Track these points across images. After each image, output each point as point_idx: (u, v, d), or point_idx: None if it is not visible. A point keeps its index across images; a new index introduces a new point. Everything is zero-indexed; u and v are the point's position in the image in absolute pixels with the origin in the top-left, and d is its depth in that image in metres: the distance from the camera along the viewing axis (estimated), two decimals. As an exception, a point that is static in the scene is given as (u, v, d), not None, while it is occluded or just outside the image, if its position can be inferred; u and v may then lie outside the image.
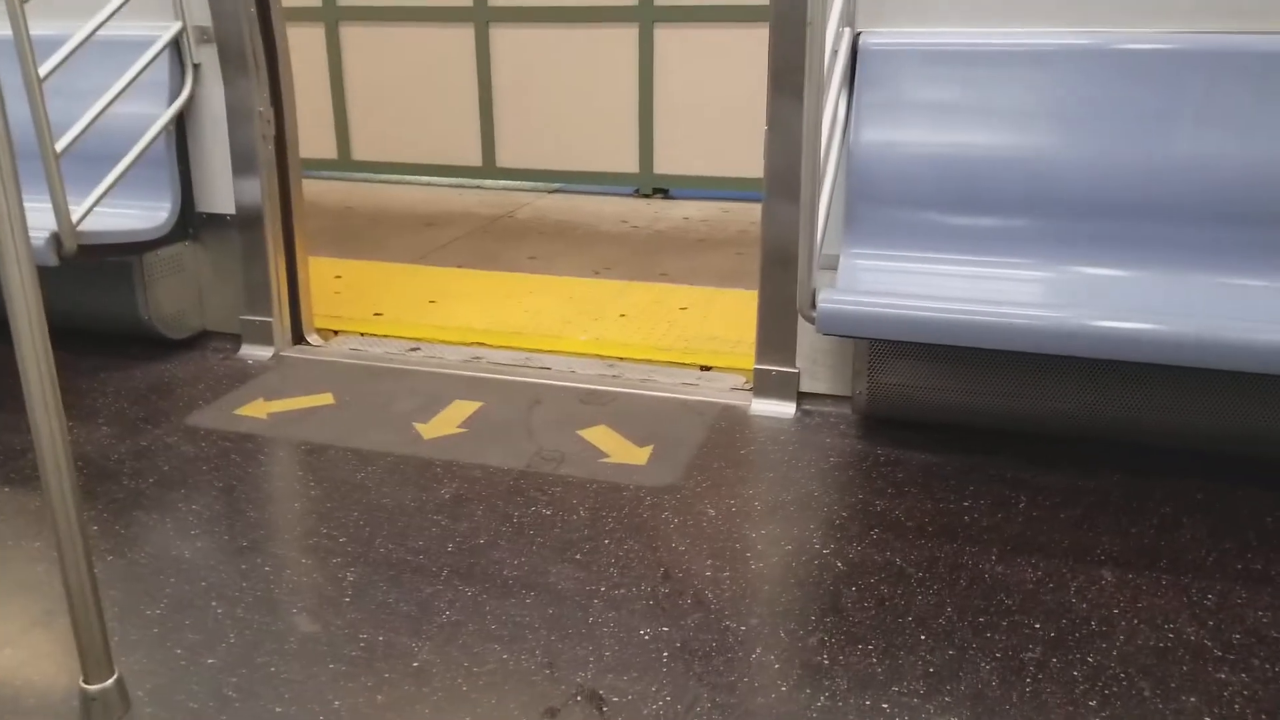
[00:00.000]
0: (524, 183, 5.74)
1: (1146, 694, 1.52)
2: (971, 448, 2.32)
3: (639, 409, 2.57)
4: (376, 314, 3.36)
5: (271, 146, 2.87)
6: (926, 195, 2.22)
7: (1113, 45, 2.17)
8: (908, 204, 2.23)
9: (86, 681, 1.45)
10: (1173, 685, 1.53)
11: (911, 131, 2.25)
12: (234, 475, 2.22)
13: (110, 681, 1.46)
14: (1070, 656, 1.60)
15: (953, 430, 2.40)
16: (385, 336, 3.15)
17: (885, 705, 1.50)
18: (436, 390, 2.69)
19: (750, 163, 4.99)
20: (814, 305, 1.99)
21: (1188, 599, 1.75)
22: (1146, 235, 2.14)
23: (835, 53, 2.17)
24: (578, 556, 1.89)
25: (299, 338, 3.06)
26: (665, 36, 5.00)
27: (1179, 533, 1.96)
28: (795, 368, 2.54)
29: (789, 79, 2.33)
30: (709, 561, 1.88)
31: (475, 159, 5.54)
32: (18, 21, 2.17)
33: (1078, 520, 2.01)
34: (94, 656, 1.44)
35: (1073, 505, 2.07)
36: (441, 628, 1.68)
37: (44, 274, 2.80)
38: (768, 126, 2.39)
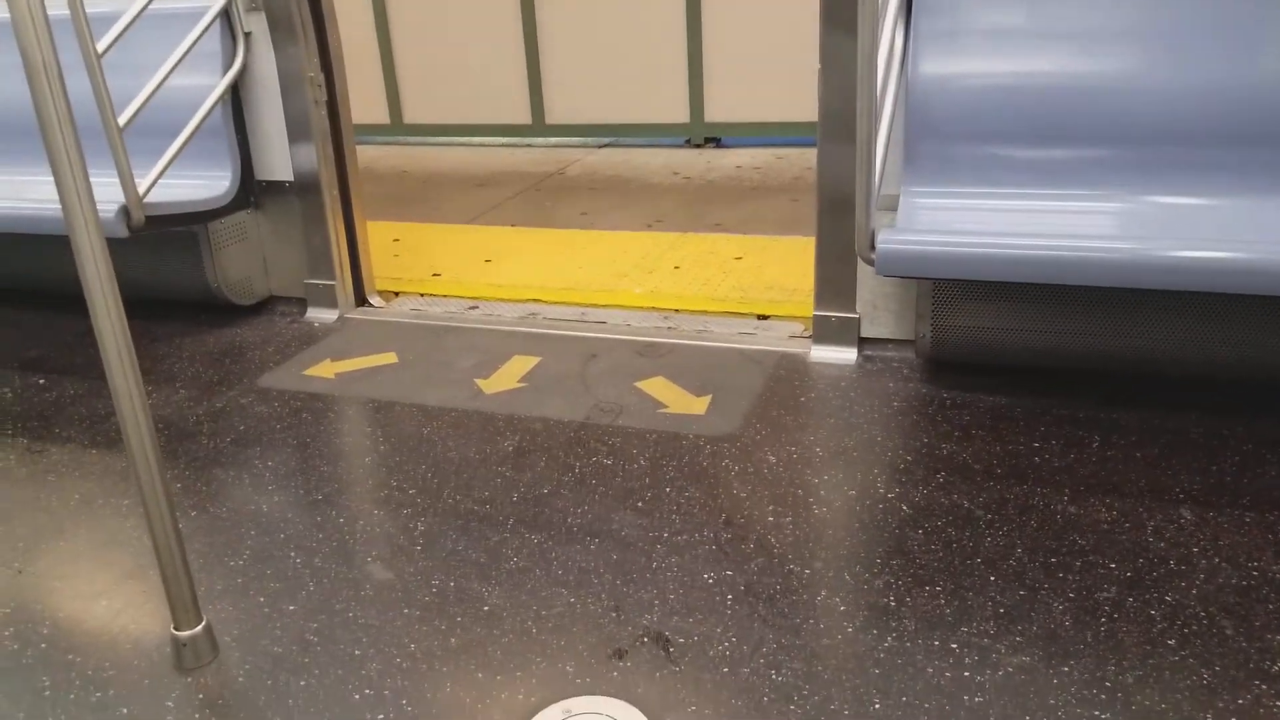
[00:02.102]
0: (574, 139, 5.71)
1: (1229, 633, 1.48)
2: (1041, 388, 2.27)
3: (696, 360, 2.57)
4: (435, 274, 3.40)
5: (324, 112, 2.90)
6: (989, 128, 2.14)
7: None
8: (970, 138, 2.16)
9: (177, 629, 1.52)
10: (1257, 624, 1.49)
11: (972, 61, 2.17)
12: (306, 433, 2.28)
13: (199, 628, 1.52)
14: (1147, 596, 1.57)
15: (1022, 371, 2.35)
16: (444, 296, 3.19)
17: (954, 645, 1.49)
18: (495, 347, 2.72)
19: (804, 106, 4.90)
20: (873, 247, 1.95)
21: (1273, 536, 1.70)
22: (1225, 160, 2.03)
23: None
24: (639, 504, 1.91)
25: (361, 300, 3.11)
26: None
27: (1262, 470, 1.90)
28: (855, 313, 2.50)
29: (842, 11, 2.25)
30: (771, 507, 1.87)
31: (524, 117, 5.53)
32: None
33: (1155, 459, 1.96)
34: (182, 605, 1.51)
35: (1149, 444, 2.02)
36: (510, 574, 1.72)
37: (116, 246, 2.89)
38: (820, 64, 2.32)
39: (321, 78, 2.87)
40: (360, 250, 3.08)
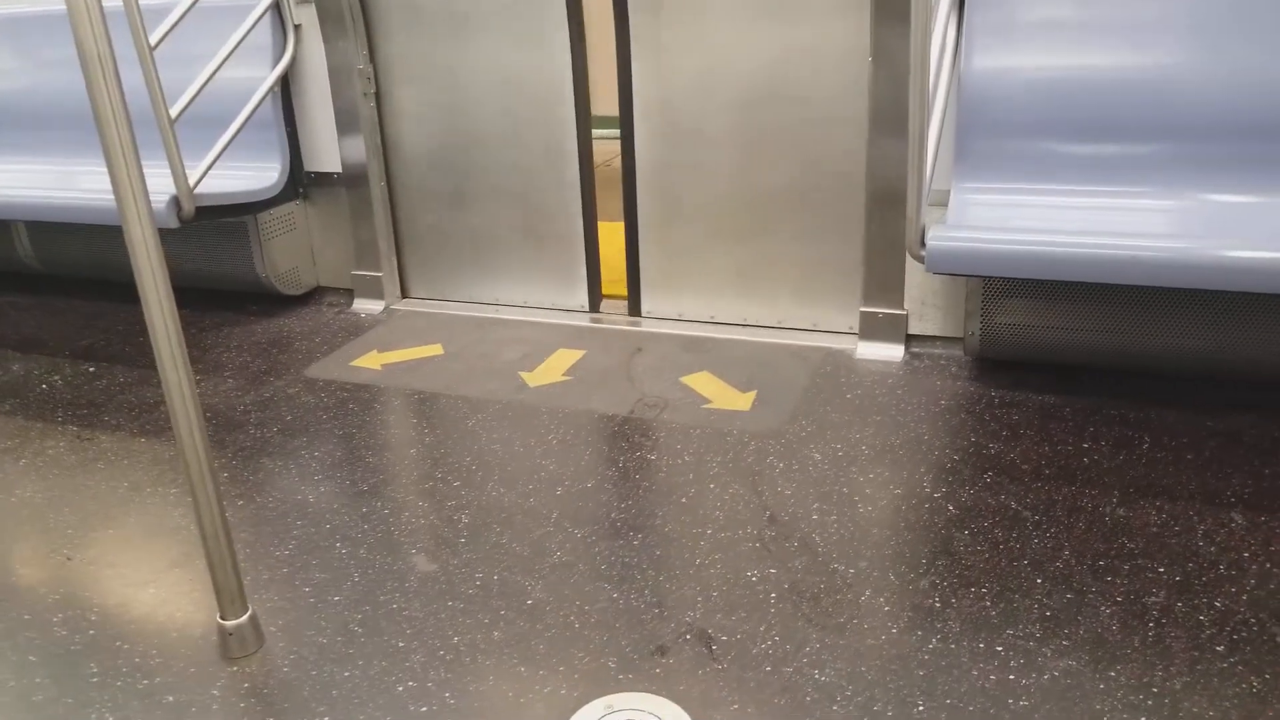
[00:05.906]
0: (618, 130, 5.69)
1: (1279, 639, 1.45)
2: (1091, 388, 2.23)
3: (741, 355, 2.55)
4: (478, 266, 3.41)
5: (373, 104, 2.92)
6: (1043, 123, 2.10)
7: None
8: (1023, 133, 2.12)
9: (223, 617, 1.54)
10: (1313, 632, 1.46)
11: (1026, 55, 2.13)
12: (352, 423, 2.31)
13: (245, 618, 1.54)
14: (1196, 601, 1.54)
15: (1072, 371, 2.31)
16: (487, 288, 3.20)
17: (999, 648, 1.47)
18: (540, 340, 2.73)
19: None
20: (923, 244, 1.92)
21: (1330, 543, 1.65)
22: (1284, 156, 1.98)
23: None
24: (683, 500, 1.90)
25: (407, 291, 3.13)
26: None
27: (1320, 474, 1.85)
28: (903, 309, 2.47)
29: (894, 3, 2.23)
30: (815, 505, 1.86)
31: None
32: None
33: (1206, 462, 1.92)
34: (229, 594, 1.53)
35: (1200, 446, 1.97)
36: (553, 568, 1.72)
37: (167, 236, 2.94)
38: (871, 57, 2.30)
39: (370, 69, 2.89)
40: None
